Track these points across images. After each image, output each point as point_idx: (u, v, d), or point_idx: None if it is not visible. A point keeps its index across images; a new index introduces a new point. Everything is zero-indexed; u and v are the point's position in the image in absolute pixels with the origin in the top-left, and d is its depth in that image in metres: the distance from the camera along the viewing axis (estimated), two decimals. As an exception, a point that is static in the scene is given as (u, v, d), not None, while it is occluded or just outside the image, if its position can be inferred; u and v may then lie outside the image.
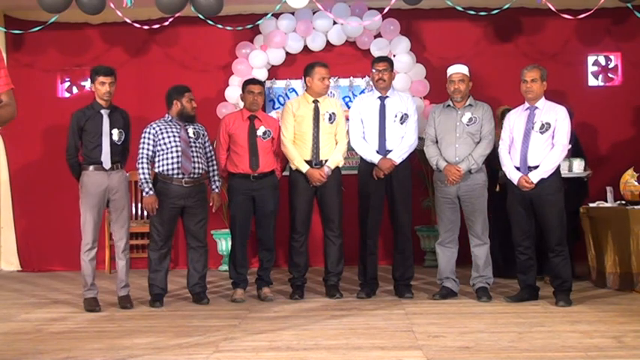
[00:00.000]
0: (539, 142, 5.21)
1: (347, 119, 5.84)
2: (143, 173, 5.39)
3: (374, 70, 5.67)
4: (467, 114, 5.47)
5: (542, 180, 5.16)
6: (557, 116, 5.24)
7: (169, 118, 5.51)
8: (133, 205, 7.08)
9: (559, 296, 5.18)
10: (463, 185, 5.41)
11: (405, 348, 4.06)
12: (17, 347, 4.25)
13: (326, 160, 5.61)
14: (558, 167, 5.30)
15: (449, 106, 5.56)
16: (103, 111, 5.36)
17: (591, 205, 6.06)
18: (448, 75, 5.55)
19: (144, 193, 5.44)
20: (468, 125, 5.45)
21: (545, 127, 5.22)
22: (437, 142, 5.56)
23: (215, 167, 5.63)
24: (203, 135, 5.56)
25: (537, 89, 5.28)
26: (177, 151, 5.39)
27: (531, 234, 5.31)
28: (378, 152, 5.56)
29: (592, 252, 6.03)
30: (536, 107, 5.29)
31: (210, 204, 5.61)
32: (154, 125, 5.48)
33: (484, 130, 5.47)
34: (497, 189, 6.01)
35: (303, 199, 5.64)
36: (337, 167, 5.68)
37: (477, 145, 5.43)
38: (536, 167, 5.20)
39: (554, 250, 5.21)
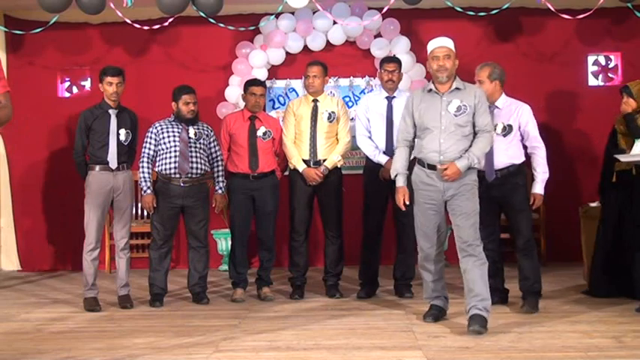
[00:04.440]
0: (500, 145, 4.96)
1: (352, 119, 5.85)
2: (143, 172, 5.43)
3: (383, 71, 5.65)
4: (454, 101, 4.56)
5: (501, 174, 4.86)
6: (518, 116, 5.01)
7: (172, 118, 5.54)
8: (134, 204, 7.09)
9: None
10: (449, 184, 4.55)
11: (405, 348, 4.06)
12: (17, 347, 4.26)
13: (324, 160, 5.61)
14: (521, 163, 5.00)
15: (430, 90, 4.67)
16: (110, 111, 5.38)
17: (591, 205, 6.05)
18: (429, 50, 4.67)
19: (142, 192, 5.46)
20: (456, 116, 4.55)
21: (507, 130, 4.99)
22: (413, 137, 4.75)
23: (220, 168, 5.63)
24: (207, 135, 5.57)
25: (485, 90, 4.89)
26: (175, 152, 5.40)
27: (495, 236, 5.07)
28: (385, 153, 5.55)
29: (586, 251, 6.04)
30: (496, 106, 5.02)
31: (213, 205, 5.62)
32: (157, 125, 5.51)
33: (480, 122, 4.58)
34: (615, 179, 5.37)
35: (302, 198, 5.65)
36: (337, 167, 5.68)
37: (477, 139, 4.57)
38: (502, 169, 4.98)
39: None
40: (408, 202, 4.74)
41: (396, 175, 4.76)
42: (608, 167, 5.44)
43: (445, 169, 4.48)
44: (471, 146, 4.56)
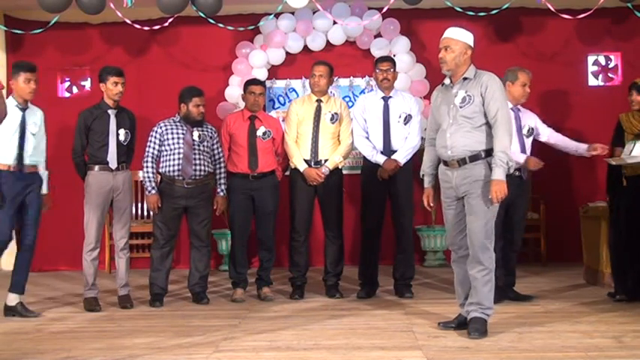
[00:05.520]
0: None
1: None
2: (147, 172, 5.43)
3: (377, 70, 5.66)
4: (460, 92, 4.32)
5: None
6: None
7: (178, 119, 5.53)
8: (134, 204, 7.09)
9: None
10: (460, 181, 4.33)
11: (405, 348, 4.06)
12: (17, 347, 4.25)
13: (325, 160, 5.61)
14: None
15: (444, 84, 4.49)
16: (110, 111, 5.38)
17: (590, 204, 6.06)
18: None
19: (146, 192, 5.45)
20: (461, 107, 4.30)
21: (530, 132, 5.34)
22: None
23: (223, 170, 5.63)
24: (211, 137, 5.55)
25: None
26: (179, 154, 5.40)
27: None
28: (382, 153, 5.55)
29: (586, 251, 6.06)
30: (519, 110, 5.32)
31: (215, 207, 5.61)
32: (162, 125, 5.50)
33: (489, 111, 4.25)
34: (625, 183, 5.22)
35: (302, 198, 5.64)
36: (338, 168, 5.68)
37: (494, 137, 4.22)
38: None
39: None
40: (432, 204, 4.60)
41: (422, 176, 4.63)
42: (614, 167, 5.32)
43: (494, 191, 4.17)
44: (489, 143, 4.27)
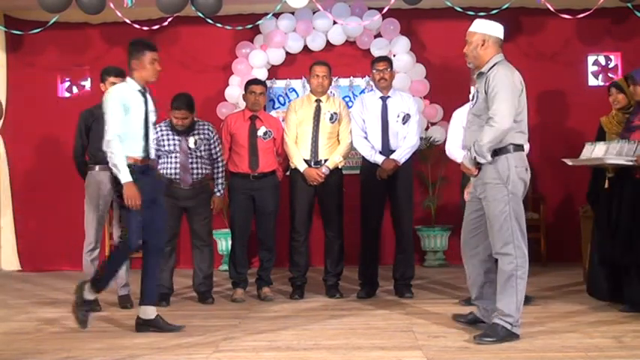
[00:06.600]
0: None
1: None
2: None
3: (374, 70, 5.66)
4: (472, 89, 4.32)
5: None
6: None
7: (168, 123, 5.52)
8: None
9: None
10: (477, 185, 4.24)
11: (405, 348, 4.06)
12: (17, 347, 4.26)
13: (325, 160, 5.62)
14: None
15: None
16: None
17: (590, 204, 6.06)
18: None
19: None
20: (472, 105, 4.28)
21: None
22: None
23: (221, 170, 5.62)
24: (208, 139, 5.52)
25: None
26: (176, 161, 5.41)
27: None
28: (381, 153, 5.55)
29: (586, 252, 6.06)
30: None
31: (211, 207, 5.61)
32: (157, 128, 5.46)
33: (490, 106, 4.06)
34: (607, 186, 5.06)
35: (302, 198, 5.65)
36: (338, 168, 5.68)
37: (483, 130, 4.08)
38: None
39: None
40: (467, 198, 4.46)
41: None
42: (599, 171, 5.24)
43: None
44: None
